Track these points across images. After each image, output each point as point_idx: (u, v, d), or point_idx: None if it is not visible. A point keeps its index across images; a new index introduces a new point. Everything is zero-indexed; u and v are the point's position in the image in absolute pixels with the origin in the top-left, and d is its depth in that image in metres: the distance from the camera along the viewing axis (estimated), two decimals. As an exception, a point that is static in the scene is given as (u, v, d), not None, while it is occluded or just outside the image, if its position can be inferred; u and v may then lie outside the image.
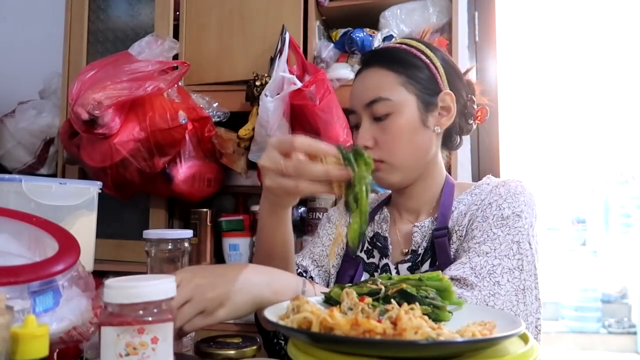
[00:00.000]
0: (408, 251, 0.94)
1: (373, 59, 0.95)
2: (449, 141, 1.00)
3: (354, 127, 0.96)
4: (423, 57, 0.93)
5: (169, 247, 0.86)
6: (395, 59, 0.92)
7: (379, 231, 1.00)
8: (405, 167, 0.92)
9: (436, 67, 0.93)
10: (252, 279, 0.69)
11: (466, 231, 0.88)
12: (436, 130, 0.93)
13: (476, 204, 0.89)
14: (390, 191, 1.08)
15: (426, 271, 0.83)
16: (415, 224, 0.94)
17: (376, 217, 1.02)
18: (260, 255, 0.86)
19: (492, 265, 0.80)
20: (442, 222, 0.91)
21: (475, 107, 1.00)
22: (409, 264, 0.92)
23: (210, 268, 0.72)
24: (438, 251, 0.88)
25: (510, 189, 0.88)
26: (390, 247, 0.97)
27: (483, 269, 0.79)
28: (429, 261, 0.90)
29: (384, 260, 0.96)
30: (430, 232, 0.92)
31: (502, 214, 0.85)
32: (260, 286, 0.68)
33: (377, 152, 0.90)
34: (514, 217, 0.84)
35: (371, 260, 0.98)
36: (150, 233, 0.87)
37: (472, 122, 1.00)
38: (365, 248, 1.00)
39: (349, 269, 0.98)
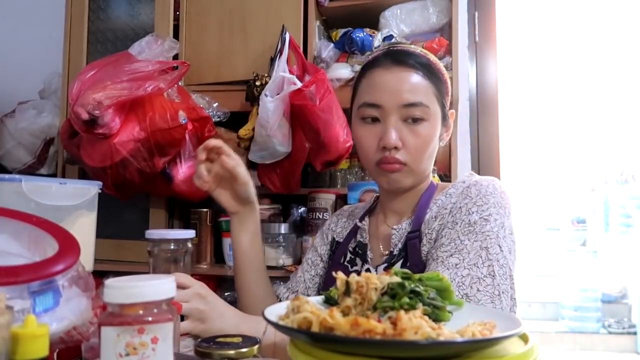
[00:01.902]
0: (387, 253, 0.96)
1: (409, 60, 0.93)
2: None
3: (368, 119, 0.92)
4: (445, 75, 0.96)
5: (171, 247, 0.86)
6: (430, 70, 0.93)
7: (361, 240, 1.01)
8: (420, 173, 0.94)
9: (448, 86, 0.97)
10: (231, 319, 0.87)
11: (437, 235, 0.89)
12: (440, 144, 0.97)
13: (446, 208, 0.91)
14: (373, 196, 1.11)
15: None
16: (394, 227, 0.96)
17: (359, 227, 1.03)
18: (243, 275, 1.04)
19: (461, 277, 0.80)
20: (416, 224, 0.92)
21: None
22: (385, 264, 0.93)
23: (215, 299, 0.90)
24: (410, 253, 0.89)
25: (481, 190, 0.88)
26: (369, 252, 0.98)
27: (452, 282, 0.79)
28: (401, 261, 0.91)
29: (366, 266, 0.97)
30: (406, 234, 0.93)
31: (469, 220, 0.85)
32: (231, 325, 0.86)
33: (403, 154, 0.90)
34: (481, 221, 0.85)
35: (354, 268, 0.99)
36: (153, 233, 0.87)
37: None
38: (348, 258, 1.01)
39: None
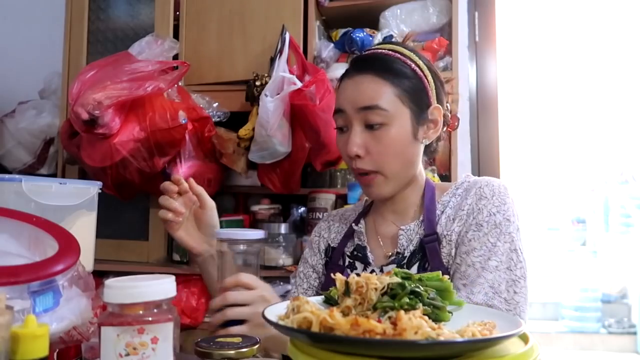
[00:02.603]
0: (392, 253, 0.95)
1: (367, 65, 0.93)
2: (429, 150, 1.00)
3: (339, 129, 0.95)
4: (417, 70, 0.93)
5: (241, 247, 0.84)
6: (392, 70, 0.91)
7: (359, 243, 1.00)
8: (396, 178, 0.93)
9: (428, 81, 0.94)
10: None
11: (459, 237, 0.89)
12: (424, 142, 0.95)
13: (463, 209, 0.90)
14: (365, 198, 1.10)
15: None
16: (402, 227, 0.95)
17: (356, 230, 1.02)
18: None
19: (503, 279, 0.84)
20: (429, 227, 0.91)
21: (449, 115, 1.01)
22: (394, 265, 0.92)
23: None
24: (430, 256, 0.89)
25: (495, 190, 0.90)
26: (369, 255, 0.97)
27: (501, 285, 0.83)
28: (417, 264, 0.90)
29: (369, 268, 0.96)
30: (418, 236, 0.92)
31: (494, 221, 0.87)
32: None
33: (369, 162, 0.90)
34: (505, 222, 0.87)
35: (355, 271, 0.98)
36: (222, 232, 0.86)
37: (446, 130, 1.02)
38: (347, 262, 1.00)
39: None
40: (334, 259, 1.02)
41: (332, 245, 1.05)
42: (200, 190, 0.98)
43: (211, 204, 1.00)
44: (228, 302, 0.82)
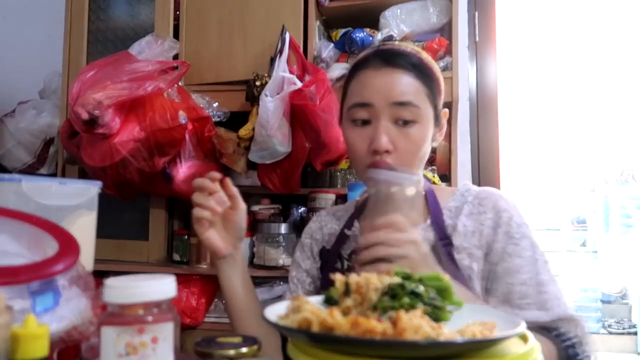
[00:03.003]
0: None
1: (398, 60, 0.90)
2: None
3: (358, 121, 0.90)
4: (437, 73, 0.94)
5: (392, 189, 0.80)
6: (421, 70, 0.90)
7: (357, 246, 0.98)
8: None
9: (440, 84, 0.95)
10: None
11: (493, 252, 0.88)
12: (434, 145, 0.96)
13: (483, 223, 0.90)
14: (354, 200, 1.09)
15: None
16: None
17: (350, 235, 0.99)
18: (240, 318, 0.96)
19: (557, 290, 0.88)
20: (440, 232, 0.91)
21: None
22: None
23: (428, 250, 0.80)
24: (446, 262, 0.88)
25: (509, 203, 0.92)
26: None
27: (558, 299, 0.87)
28: None
29: None
30: (426, 241, 0.90)
31: (524, 233, 0.89)
32: None
33: (394, 158, 0.88)
34: (531, 234, 0.90)
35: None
36: (378, 172, 0.82)
37: None
38: (345, 266, 0.98)
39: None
40: (330, 262, 0.99)
41: (327, 247, 1.02)
42: (235, 191, 0.94)
43: (243, 206, 0.95)
44: (379, 240, 0.77)
